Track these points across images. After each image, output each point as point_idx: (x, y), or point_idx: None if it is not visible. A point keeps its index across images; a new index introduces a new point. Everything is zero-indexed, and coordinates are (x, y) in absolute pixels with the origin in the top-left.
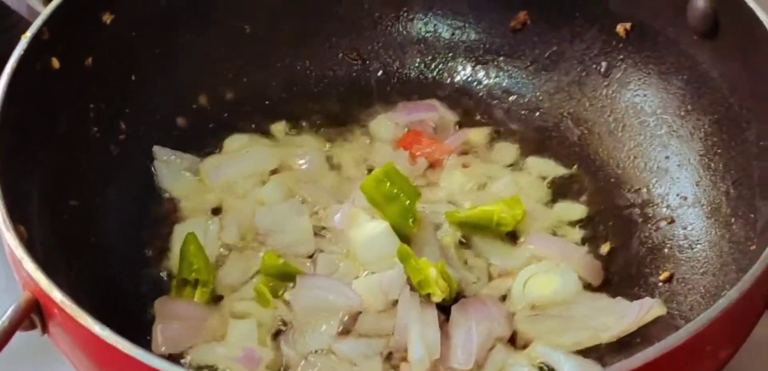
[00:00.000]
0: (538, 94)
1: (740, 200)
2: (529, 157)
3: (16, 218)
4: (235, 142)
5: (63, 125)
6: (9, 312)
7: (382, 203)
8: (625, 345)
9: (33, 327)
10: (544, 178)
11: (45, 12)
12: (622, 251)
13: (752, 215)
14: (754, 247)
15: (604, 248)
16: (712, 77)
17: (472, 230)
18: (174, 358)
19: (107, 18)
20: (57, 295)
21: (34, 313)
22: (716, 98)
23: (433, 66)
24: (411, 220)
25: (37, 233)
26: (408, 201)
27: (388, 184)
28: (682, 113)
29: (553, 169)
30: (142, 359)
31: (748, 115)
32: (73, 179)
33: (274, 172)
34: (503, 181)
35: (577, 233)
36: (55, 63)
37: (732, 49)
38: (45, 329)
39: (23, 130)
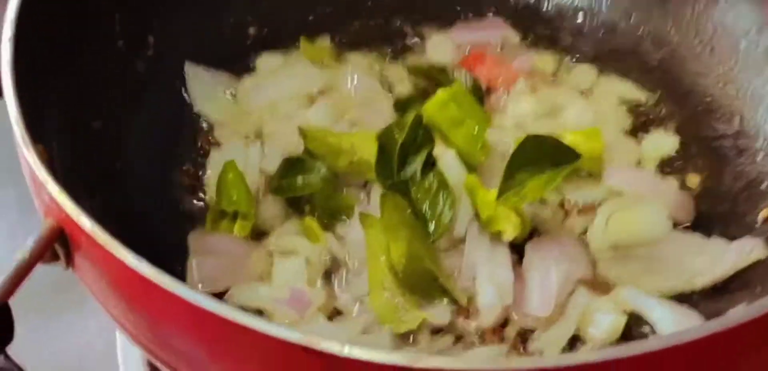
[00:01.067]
0: (614, 12)
1: None
2: (607, 78)
3: (36, 136)
4: (268, 61)
5: (86, 37)
6: (30, 241)
7: (447, 128)
8: (721, 291)
9: (56, 258)
10: (623, 103)
11: None
12: (714, 187)
13: None
14: None
15: (692, 181)
16: None
17: None
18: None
19: None
20: (86, 222)
21: (58, 243)
22: None
23: None
24: (479, 147)
25: (57, 156)
26: (477, 127)
27: (455, 107)
28: None
29: (634, 93)
30: (183, 295)
31: None
32: (97, 97)
33: (320, 93)
34: (578, 107)
35: (663, 168)
36: None
37: None
38: (69, 261)
39: (42, 40)
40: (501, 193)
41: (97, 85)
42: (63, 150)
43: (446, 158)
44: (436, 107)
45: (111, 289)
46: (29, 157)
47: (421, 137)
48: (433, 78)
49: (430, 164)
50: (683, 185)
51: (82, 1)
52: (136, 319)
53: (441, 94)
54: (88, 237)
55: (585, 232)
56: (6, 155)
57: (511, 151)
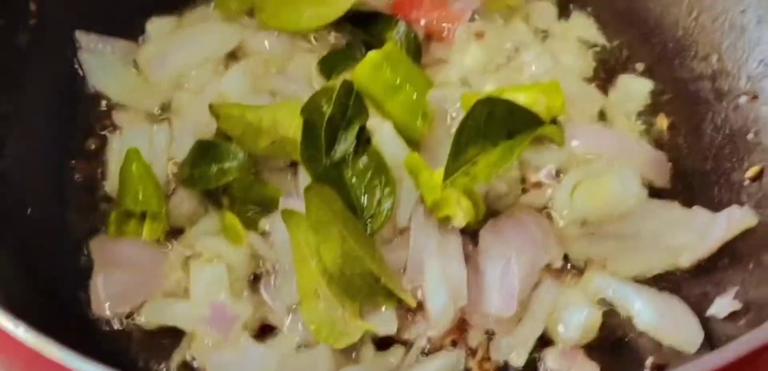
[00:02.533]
0: None
1: None
2: (568, 17)
3: None
4: (160, 25)
5: None
6: None
7: (382, 96)
8: (707, 268)
9: None
10: (584, 44)
11: None
12: (693, 140)
13: None
14: None
15: (662, 123)
16: None
17: None
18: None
19: None
20: None
21: None
22: None
23: None
24: (420, 118)
25: None
26: (415, 93)
27: (389, 71)
28: None
29: (594, 33)
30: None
31: None
32: None
33: (232, 58)
34: (533, 52)
35: (634, 123)
36: None
37: None
38: None
39: None
40: (448, 174)
41: None
42: None
43: (383, 133)
44: (367, 72)
45: None
46: None
47: (353, 108)
48: (362, 27)
49: (364, 140)
50: (654, 133)
51: None
52: None
53: (372, 55)
54: None
55: (548, 206)
56: None
57: (457, 117)
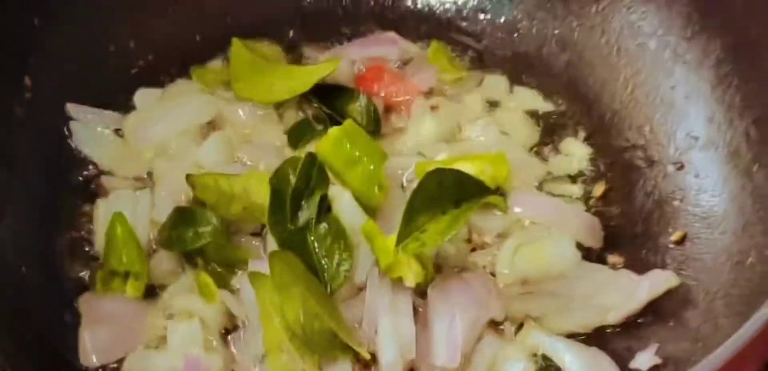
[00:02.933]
0: (515, 12)
1: (764, 144)
2: (515, 88)
3: None
4: (146, 96)
5: None
6: None
7: (342, 168)
8: (633, 324)
9: None
10: (530, 115)
11: None
12: (625, 204)
13: None
14: None
15: (598, 190)
16: None
17: None
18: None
19: None
20: None
21: None
22: (729, 18)
23: None
24: (377, 188)
25: None
26: (372, 165)
27: (349, 145)
28: (689, 35)
29: (541, 103)
30: None
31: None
32: None
33: (210, 128)
34: (481, 123)
35: (573, 187)
36: None
37: None
38: None
39: None
40: (400, 240)
41: None
42: None
43: (342, 202)
44: (329, 146)
45: None
46: None
47: (316, 178)
48: (326, 101)
49: (325, 208)
50: (590, 200)
51: None
52: None
53: (334, 131)
54: None
55: (490, 266)
56: None
57: (411, 183)
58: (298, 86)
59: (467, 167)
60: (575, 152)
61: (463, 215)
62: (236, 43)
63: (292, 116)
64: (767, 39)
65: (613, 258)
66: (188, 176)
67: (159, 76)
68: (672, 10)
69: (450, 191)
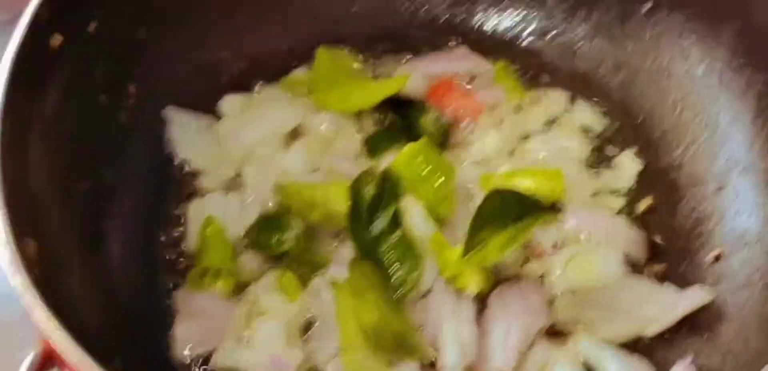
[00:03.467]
0: (575, 34)
1: None
2: (572, 105)
3: (23, 228)
4: (232, 103)
5: (69, 101)
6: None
7: (415, 181)
8: (670, 335)
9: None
10: (585, 131)
11: None
12: (669, 220)
13: None
14: None
15: (644, 205)
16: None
17: None
18: (197, 361)
19: None
20: (73, 358)
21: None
22: None
23: (461, 9)
24: (446, 201)
25: (47, 235)
26: (442, 179)
27: (423, 161)
28: (735, 65)
29: (595, 120)
30: None
31: None
32: (83, 158)
33: (295, 134)
34: (541, 138)
35: (620, 200)
36: (57, 39)
37: None
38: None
39: (27, 120)
40: (466, 251)
41: (83, 147)
42: (53, 227)
43: (414, 214)
44: (405, 160)
45: None
46: (19, 279)
47: (389, 192)
48: (400, 113)
49: (397, 219)
50: (636, 214)
51: (64, 70)
52: None
53: (410, 147)
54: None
55: (544, 275)
56: None
57: (475, 196)
58: (370, 99)
59: (527, 181)
60: (627, 168)
61: (522, 233)
62: (321, 52)
63: (370, 125)
64: None
65: (655, 270)
66: (277, 185)
67: (249, 83)
68: (720, 41)
69: (510, 210)
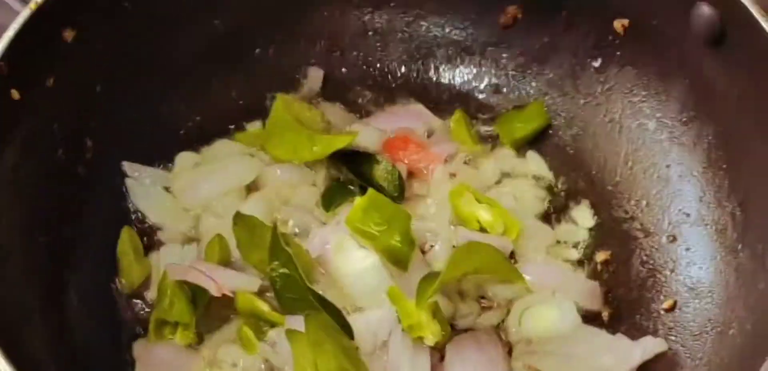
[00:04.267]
0: (529, 89)
1: (748, 226)
2: (523, 157)
3: None
4: (186, 159)
5: (27, 155)
6: None
7: (371, 233)
8: None
9: None
10: (538, 180)
11: None
12: (624, 270)
13: (760, 247)
14: (762, 286)
15: (601, 257)
16: (716, 86)
17: None
18: None
19: (69, 35)
20: None
21: None
22: (721, 108)
23: (416, 64)
24: (404, 243)
25: (8, 285)
26: (397, 223)
27: (375, 212)
28: (684, 119)
29: (546, 171)
30: None
31: (755, 132)
32: (41, 212)
33: (251, 187)
34: (494, 191)
35: (577, 252)
36: (15, 94)
37: (739, 60)
38: None
39: None
40: (419, 298)
41: (41, 201)
42: (13, 280)
43: (369, 267)
44: (358, 215)
45: None
46: None
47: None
48: (353, 166)
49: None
50: (592, 266)
51: (21, 124)
52: None
53: (359, 201)
54: None
55: (501, 324)
56: None
57: (432, 247)
58: (321, 151)
59: (486, 215)
60: (582, 221)
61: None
62: (280, 100)
63: (327, 179)
64: (754, 132)
65: (610, 321)
66: (236, 214)
67: (206, 136)
68: (670, 96)
69: (477, 261)
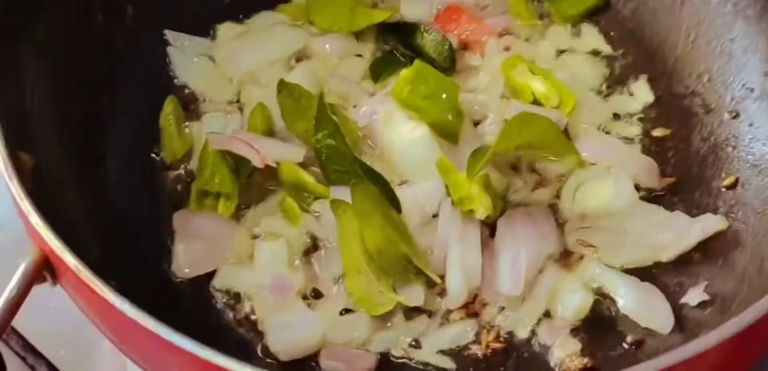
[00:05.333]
0: None
1: None
2: (580, 32)
3: (16, 141)
4: (228, 30)
5: (64, 18)
6: (19, 273)
7: (418, 105)
8: (683, 262)
9: (43, 280)
10: (595, 54)
11: None
12: (683, 147)
13: None
14: None
15: (659, 133)
16: None
17: None
18: (196, 281)
19: None
20: (70, 259)
21: (46, 270)
22: None
23: None
24: (452, 115)
25: (44, 153)
26: (445, 95)
27: (421, 83)
28: None
29: (603, 45)
30: (167, 337)
31: None
32: (78, 78)
33: (297, 57)
34: (552, 65)
35: (634, 128)
36: None
37: None
38: (56, 282)
39: (20, 32)
40: (470, 171)
41: (78, 66)
42: (47, 144)
43: (420, 137)
44: (403, 86)
45: (95, 319)
46: (12, 187)
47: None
48: (402, 39)
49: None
50: (651, 141)
51: None
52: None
53: (404, 73)
54: (73, 273)
55: (554, 202)
56: None
57: (483, 120)
58: (361, 22)
59: (540, 86)
60: (640, 95)
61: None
62: None
63: (372, 49)
64: None
65: (668, 198)
66: (280, 81)
67: (248, 5)
68: None
69: (530, 133)
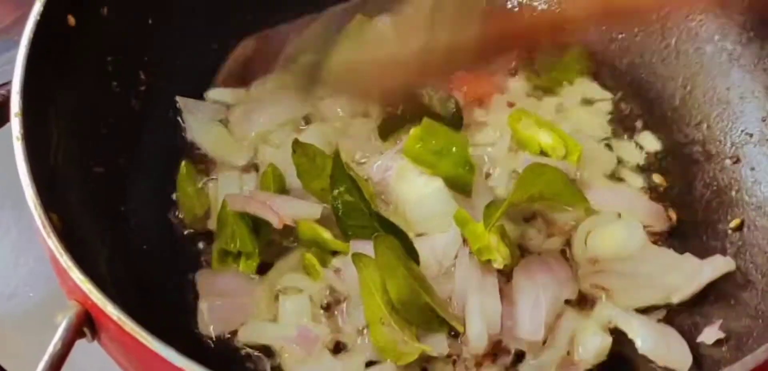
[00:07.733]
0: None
1: None
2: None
3: (47, 203)
4: (238, 94)
5: (83, 85)
6: (61, 329)
7: (429, 160)
8: (696, 303)
9: (82, 335)
10: (596, 105)
11: None
12: (686, 194)
13: None
14: None
15: (663, 181)
16: None
17: None
18: (222, 336)
19: None
20: (112, 311)
21: (86, 325)
22: None
23: None
24: (464, 168)
25: (69, 211)
26: (455, 149)
27: (432, 139)
28: (744, 40)
29: (598, 92)
30: None
31: None
32: (96, 142)
33: (305, 119)
34: (557, 119)
35: (638, 176)
36: (71, 20)
37: None
38: (95, 337)
39: (45, 99)
40: (487, 222)
41: (96, 132)
42: (71, 205)
43: (434, 191)
44: (414, 144)
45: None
46: (51, 244)
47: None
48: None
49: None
50: (655, 191)
51: (77, 53)
52: None
53: (414, 131)
54: (115, 324)
55: (566, 249)
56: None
57: (492, 173)
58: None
59: (547, 137)
60: (645, 145)
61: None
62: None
63: (379, 110)
64: None
65: (677, 242)
66: (295, 141)
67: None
68: (728, 17)
69: (542, 183)
